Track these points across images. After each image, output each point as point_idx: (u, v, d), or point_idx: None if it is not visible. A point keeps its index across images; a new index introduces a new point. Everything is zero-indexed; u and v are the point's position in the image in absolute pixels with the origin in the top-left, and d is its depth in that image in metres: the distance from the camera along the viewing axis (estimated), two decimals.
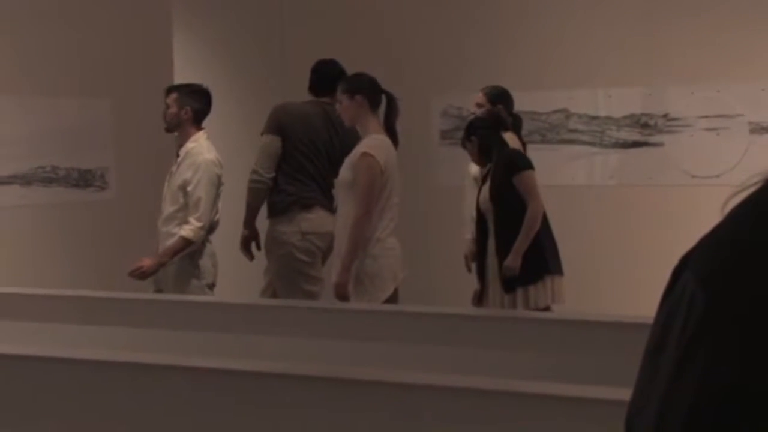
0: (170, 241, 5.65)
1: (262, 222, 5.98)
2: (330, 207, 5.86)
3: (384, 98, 5.37)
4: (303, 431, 3.14)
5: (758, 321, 0.77)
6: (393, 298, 5.27)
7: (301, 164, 5.82)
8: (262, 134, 5.91)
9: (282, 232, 5.80)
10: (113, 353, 3.82)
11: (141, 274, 5.63)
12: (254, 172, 5.83)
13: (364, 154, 5.18)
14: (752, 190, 0.84)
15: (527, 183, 5.47)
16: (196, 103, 5.78)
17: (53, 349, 3.96)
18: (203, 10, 7.85)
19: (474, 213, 5.90)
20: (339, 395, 3.14)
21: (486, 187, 5.56)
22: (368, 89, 5.33)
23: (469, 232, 6.24)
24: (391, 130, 5.34)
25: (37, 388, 3.57)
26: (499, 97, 6.09)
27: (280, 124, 5.83)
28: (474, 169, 6.15)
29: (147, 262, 5.64)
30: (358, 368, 3.62)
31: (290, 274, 5.78)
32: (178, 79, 6.89)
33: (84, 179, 6.73)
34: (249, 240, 5.92)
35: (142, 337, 4.57)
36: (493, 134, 5.60)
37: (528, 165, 5.53)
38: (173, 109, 5.76)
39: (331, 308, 4.80)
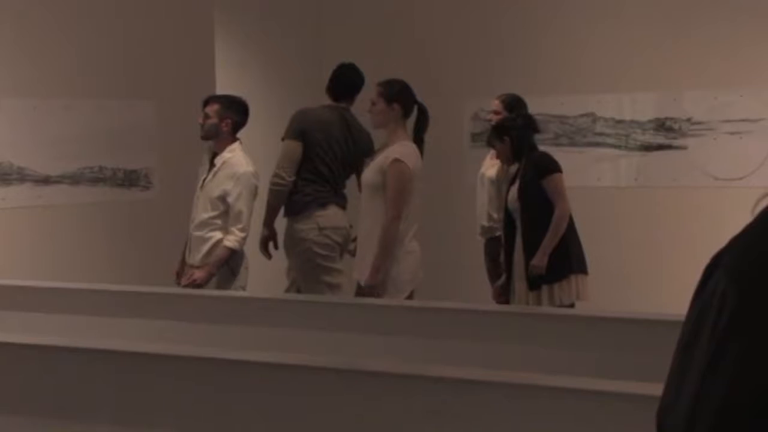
0: (206, 247, 5.60)
1: (279, 222, 5.97)
2: (343, 204, 5.91)
3: (416, 109, 5.33)
4: (326, 422, 3.09)
5: None
6: (408, 297, 5.29)
7: (318, 167, 5.84)
8: (283, 139, 5.89)
9: (300, 230, 5.80)
10: (153, 345, 3.79)
11: (196, 287, 5.57)
12: (276, 175, 5.83)
13: (396, 161, 5.14)
14: None
15: (556, 186, 5.48)
16: (236, 115, 5.69)
17: (96, 341, 3.94)
18: (244, 17, 7.85)
19: (482, 217, 6.01)
20: (362, 387, 3.09)
21: (515, 188, 5.53)
22: (405, 99, 5.34)
23: (478, 233, 6.23)
24: (419, 142, 5.32)
25: (79, 378, 3.54)
26: (515, 104, 6.04)
27: (301, 130, 5.84)
28: (490, 171, 6.14)
29: (198, 274, 5.57)
30: (381, 361, 3.56)
31: (312, 269, 5.79)
32: (220, 84, 6.86)
33: (129, 179, 6.71)
34: (267, 240, 5.92)
35: (181, 329, 4.54)
36: (527, 136, 5.58)
37: (557, 168, 5.54)
38: (213, 120, 5.65)
39: (356, 303, 4.76)
